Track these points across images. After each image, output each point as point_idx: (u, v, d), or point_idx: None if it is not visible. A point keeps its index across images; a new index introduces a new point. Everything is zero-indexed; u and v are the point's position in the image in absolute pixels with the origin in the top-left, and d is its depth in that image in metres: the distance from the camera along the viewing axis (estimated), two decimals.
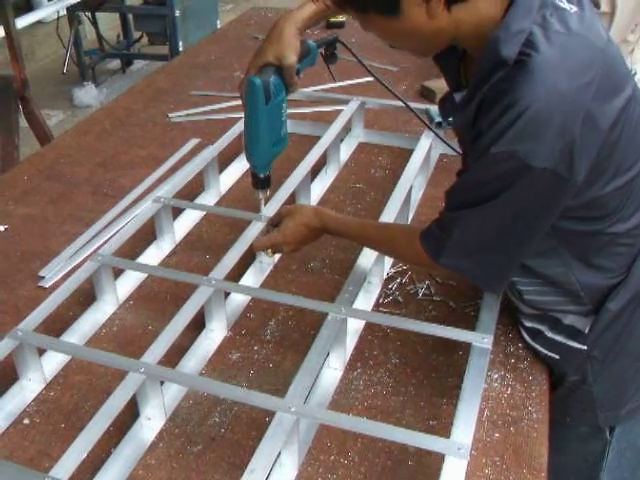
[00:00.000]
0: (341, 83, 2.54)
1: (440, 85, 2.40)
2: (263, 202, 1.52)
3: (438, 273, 1.53)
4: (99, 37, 5.32)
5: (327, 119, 2.12)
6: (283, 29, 1.35)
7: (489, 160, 1.00)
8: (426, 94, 2.40)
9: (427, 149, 1.87)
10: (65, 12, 4.94)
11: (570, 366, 1.27)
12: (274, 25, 1.37)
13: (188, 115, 2.35)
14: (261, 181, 1.45)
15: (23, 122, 3.01)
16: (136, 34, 5.55)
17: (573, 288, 1.20)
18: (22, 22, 3.08)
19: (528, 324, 1.32)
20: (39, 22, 4.77)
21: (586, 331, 1.23)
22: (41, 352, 1.29)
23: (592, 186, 1.05)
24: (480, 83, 1.02)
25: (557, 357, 1.28)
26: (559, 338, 1.27)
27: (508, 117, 0.97)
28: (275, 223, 1.46)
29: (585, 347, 1.24)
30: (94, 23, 5.22)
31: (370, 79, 2.57)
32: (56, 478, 0.97)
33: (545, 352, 1.29)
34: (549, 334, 1.27)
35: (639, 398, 1.30)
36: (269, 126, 1.35)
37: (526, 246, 1.11)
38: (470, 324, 1.35)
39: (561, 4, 1.02)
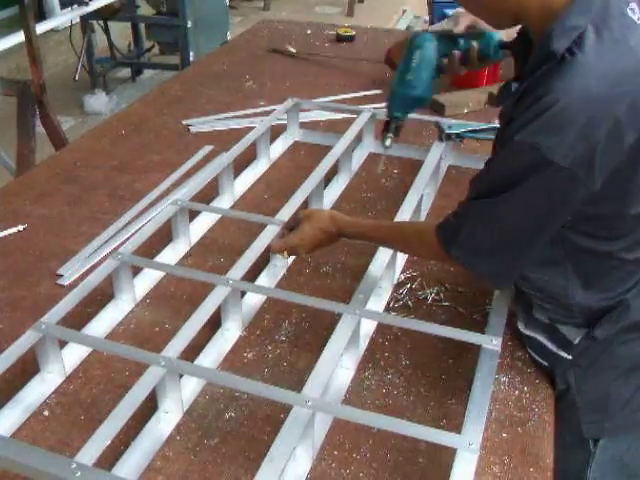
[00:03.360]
0: (355, 94, 2.60)
1: (449, 99, 2.45)
2: (383, 159, 1.56)
3: (449, 268, 1.56)
4: (110, 45, 5.38)
5: (339, 129, 2.17)
6: None
7: (512, 148, 1.03)
8: (436, 107, 2.45)
9: (437, 160, 1.91)
10: (78, 20, 5.00)
11: (557, 374, 1.30)
12: None
13: (202, 122, 2.39)
14: (394, 121, 1.48)
15: (37, 127, 3.06)
16: (148, 43, 5.62)
17: (568, 303, 1.22)
18: (38, 29, 3.13)
19: (525, 331, 1.35)
20: (51, 30, 4.82)
21: (575, 342, 1.25)
22: (61, 346, 1.33)
23: (614, 201, 1.07)
24: (530, 73, 1.05)
25: (546, 364, 1.31)
26: (551, 346, 1.30)
27: (536, 108, 1.00)
28: (290, 227, 1.50)
29: (570, 357, 1.26)
30: (106, 31, 5.29)
31: (379, 91, 2.63)
32: (82, 463, 1.00)
33: (537, 358, 1.33)
34: (543, 341, 1.30)
35: (625, 415, 1.27)
36: (421, 73, 1.41)
37: (534, 245, 1.13)
38: (478, 329, 1.39)
39: (630, 13, 1.03)
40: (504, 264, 1.16)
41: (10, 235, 1.77)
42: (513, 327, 1.42)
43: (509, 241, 1.13)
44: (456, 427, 1.18)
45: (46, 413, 1.26)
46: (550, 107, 0.98)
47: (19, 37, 3.03)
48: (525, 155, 1.02)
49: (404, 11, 7.92)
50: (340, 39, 3.29)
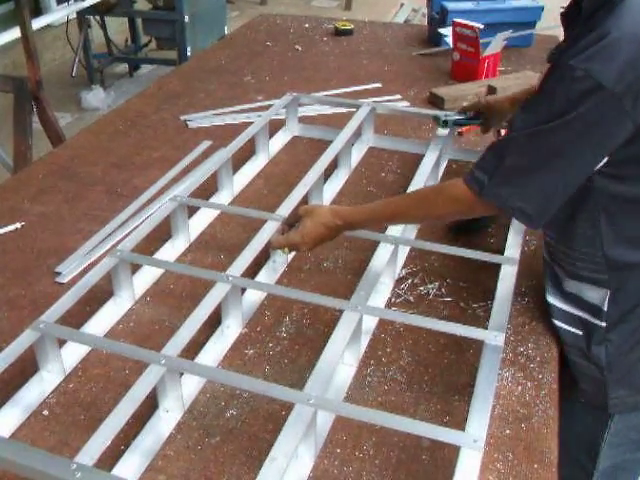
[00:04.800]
0: (355, 88, 2.59)
1: (448, 92, 2.44)
2: None
3: (450, 263, 1.56)
4: (107, 41, 5.36)
5: (338, 123, 2.15)
6: None
7: (565, 72, 1.07)
8: (434, 100, 2.44)
9: (437, 154, 1.90)
10: (74, 16, 4.98)
11: (591, 343, 1.30)
12: None
13: (200, 118, 2.38)
14: None
15: (34, 123, 3.04)
16: (144, 38, 5.59)
17: (596, 255, 1.23)
18: (34, 25, 3.11)
19: (555, 303, 1.35)
20: (48, 26, 4.80)
21: (605, 308, 1.26)
22: (60, 345, 1.31)
23: None
24: (585, 19, 1.09)
25: (580, 333, 1.32)
26: (581, 314, 1.30)
27: (591, 38, 1.04)
28: (290, 223, 1.48)
29: (604, 324, 1.27)
30: (103, 27, 5.26)
31: (378, 85, 2.62)
32: (82, 464, 0.99)
33: (570, 329, 1.33)
34: (572, 311, 1.31)
35: None
36: None
37: (574, 180, 1.14)
38: (480, 324, 1.39)
39: None
40: (542, 199, 1.16)
41: (8, 233, 1.75)
42: (521, 322, 1.42)
43: (550, 173, 1.14)
44: (459, 423, 1.17)
45: (46, 413, 1.25)
46: (602, 38, 1.04)
47: (15, 33, 3.02)
48: (577, 81, 1.05)
49: (402, 4, 7.89)
50: (339, 33, 3.28)
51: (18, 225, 1.78)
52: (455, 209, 1.29)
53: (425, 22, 3.47)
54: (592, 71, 1.03)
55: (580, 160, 1.13)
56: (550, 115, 1.10)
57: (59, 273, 1.61)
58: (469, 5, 2.98)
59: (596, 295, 1.27)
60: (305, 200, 1.74)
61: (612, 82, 1.03)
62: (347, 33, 3.28)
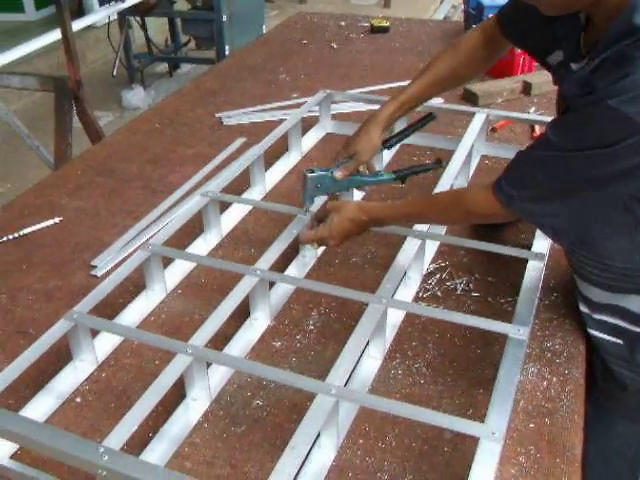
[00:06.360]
0: (388, 85, 2.60)
1: (482, 89, 2.43)
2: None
3: (482, 258, 1.56)
4: (148, 41, 5.45)
5: None
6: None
7: (604, 111, 1.02)
8: (469, 97, 2.43)
9: (468, 150, 1.89)
10: (116, 17, 5.07)
11: (635, 352, 1.28)
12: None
13: (235, 115, 2.41)
14: None
15: (75, 122, 3.11)
16: (184, 38, 5.67)
17: (635, 269, 1.21)
18: (76, 26, 3.18)
19: (585, 309, 1.33)
20: (90, 27, 4.89)
21: None
22: (94, 336, 1.35)
23: None
24: (606, 47, 1.05)
25: (621, 342, 1.29)
26: (622, 324, 1.28)
27: (631, 80, 0.99)
28: (320, 218, 1.50)
29: None
30: (143, 27, 5.35)
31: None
32: (109, 447, 1.02)
33: (608, 338, 1.31)
34: (612, 320, 1.29)
35: None
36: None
37: (606, 205, 1.14)
38: (507, 319, 1.38)
39: None
40: (572, 219, 1.17)
41: (47, 227, 1.81)
42: (549, 317, 1.41)
43: (583, 196, 1.13)
44: (482, 417, 1.17)
45: (78, 400, 1.29)
46: None
47: (57, 34, 3.09)
48: (618, 121, 1.02)
49: (441, 1, 7.85)
50: (374, 30, 3.28)
51: (57, 220, 1.83)
52: (472, 219, 1.36)
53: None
54: (635, 114, 0.99)
55: (616, 189, 1.11)
56: (585, 143, 1.07)
57: (95, 266, 1.65)
58: (505, 0, 2.95)
59: (638, 304, 1.25)
60: (336, 197, 1.76)
61: None
62: (383, 30, 3.28)
